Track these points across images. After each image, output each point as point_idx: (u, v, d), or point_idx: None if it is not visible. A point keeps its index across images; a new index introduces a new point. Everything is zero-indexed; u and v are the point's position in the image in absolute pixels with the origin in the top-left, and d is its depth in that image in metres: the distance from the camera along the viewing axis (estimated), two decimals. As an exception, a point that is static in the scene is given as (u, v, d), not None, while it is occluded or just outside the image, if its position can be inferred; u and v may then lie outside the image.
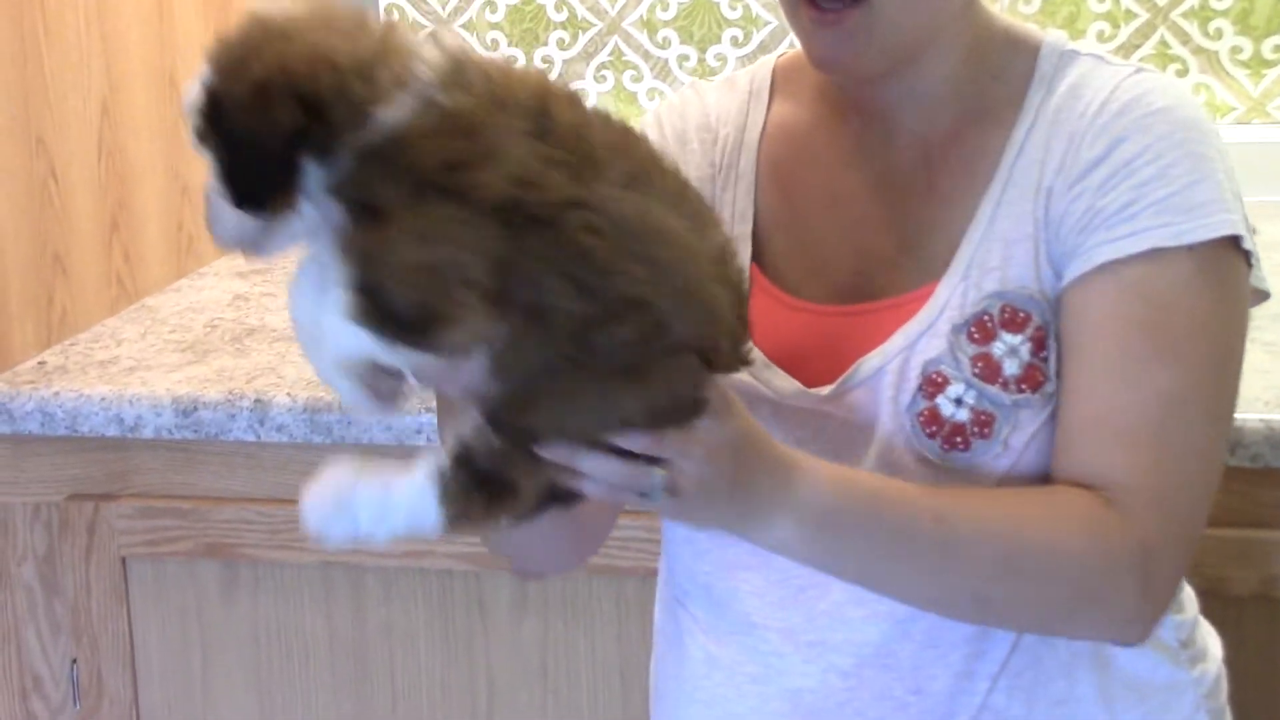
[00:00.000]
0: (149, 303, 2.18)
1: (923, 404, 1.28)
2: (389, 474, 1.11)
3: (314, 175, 1.04)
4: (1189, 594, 1.40)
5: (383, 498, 1.11)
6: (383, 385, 1.10)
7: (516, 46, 2.60)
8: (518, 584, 1.84)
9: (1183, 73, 2.40)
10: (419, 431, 1.78)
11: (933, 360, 1.28)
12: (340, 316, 1.04)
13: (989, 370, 1.27)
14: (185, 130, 1.10)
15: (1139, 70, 1.31)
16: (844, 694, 1.31)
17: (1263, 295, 1.31)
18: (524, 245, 1.03)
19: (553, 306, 1.04)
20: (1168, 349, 1.23)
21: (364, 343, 1.04)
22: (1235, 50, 2.40)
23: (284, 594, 1.90)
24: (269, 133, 1.03)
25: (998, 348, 1.27)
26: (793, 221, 1.38)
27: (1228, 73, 2.40)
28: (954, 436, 1.27)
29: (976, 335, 1.28)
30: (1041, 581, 1.23)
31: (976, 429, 1.27)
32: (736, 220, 1.39)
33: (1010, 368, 1.27)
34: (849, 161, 1.37)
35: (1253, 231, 1.31)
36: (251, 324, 2.07)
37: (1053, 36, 1.35)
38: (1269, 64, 2.39)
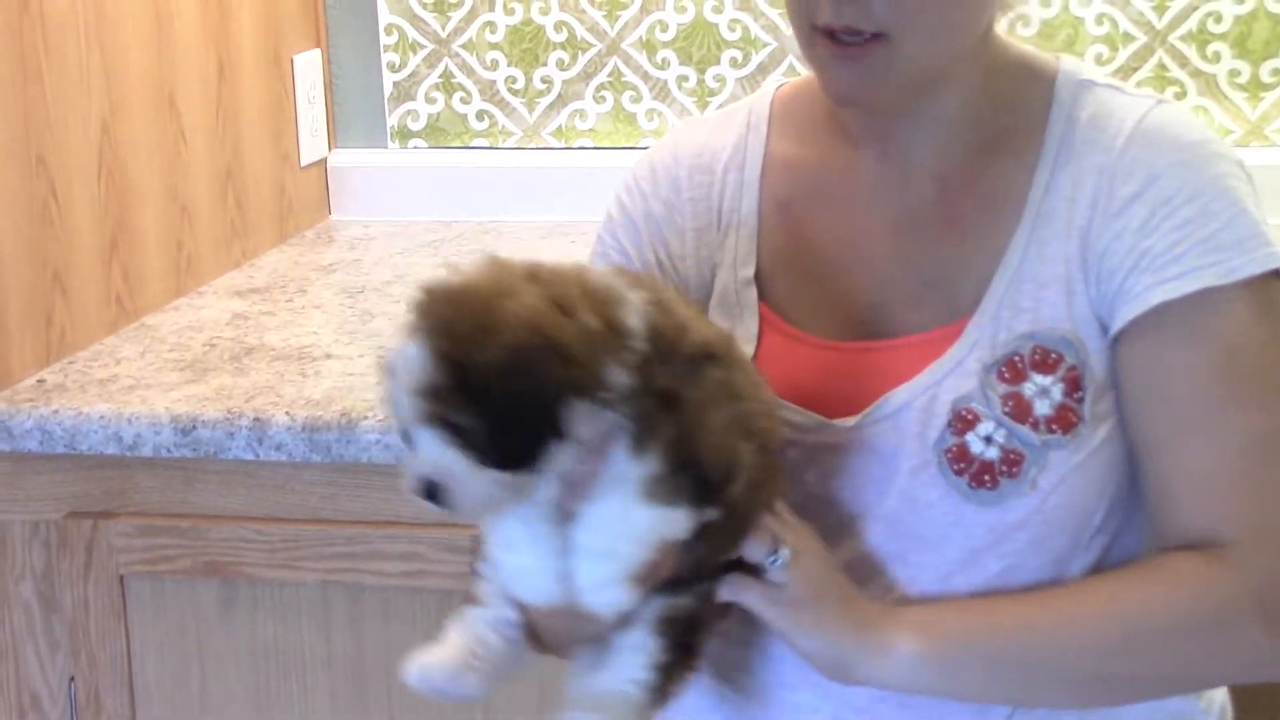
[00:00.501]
0: (148, 321, 2.18)
1: (951, 440, 1.28)
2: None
3: (578, 416, 1.11)
4: None
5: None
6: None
7: (516, 66, 2.60)
8: (516, 603, 1.84)
9: (1181, 95, 2.41)
10: (418, 451, 1.78)
11: (963, 397, 1.28)
12: (645, 507, 1.14)
13: (1020, 409, 1.27)
14: (379, 378, 1.14)
15: (1160, 102, 1.32)
16: None
17: None
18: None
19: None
20: (1245, 394, 1.25)
21: (668, 523, 1.15)
22: (1233, 74, 2.40)
23: (282, 613, 1.90)
24: (537, 390, 1.09)
25: (1028, 388, 1.27)
26: (802, 259, 1.37)
27: (1226, 96, 2.41)
28: (982, 474, 1.27)
29: (1007, 374, 1.28)
30: (1165, 651, 1.25)
31: (1005, 468, 1.27)
32: (739, 264, 1.38)
33: (1041, 408, 1.27)
34: (862, 195, 1.37)
35: None
36: (250, 343, 2.08)
37: (1067, 64, 1.35)
38: (1267, 87, 2.40)
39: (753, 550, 1.21)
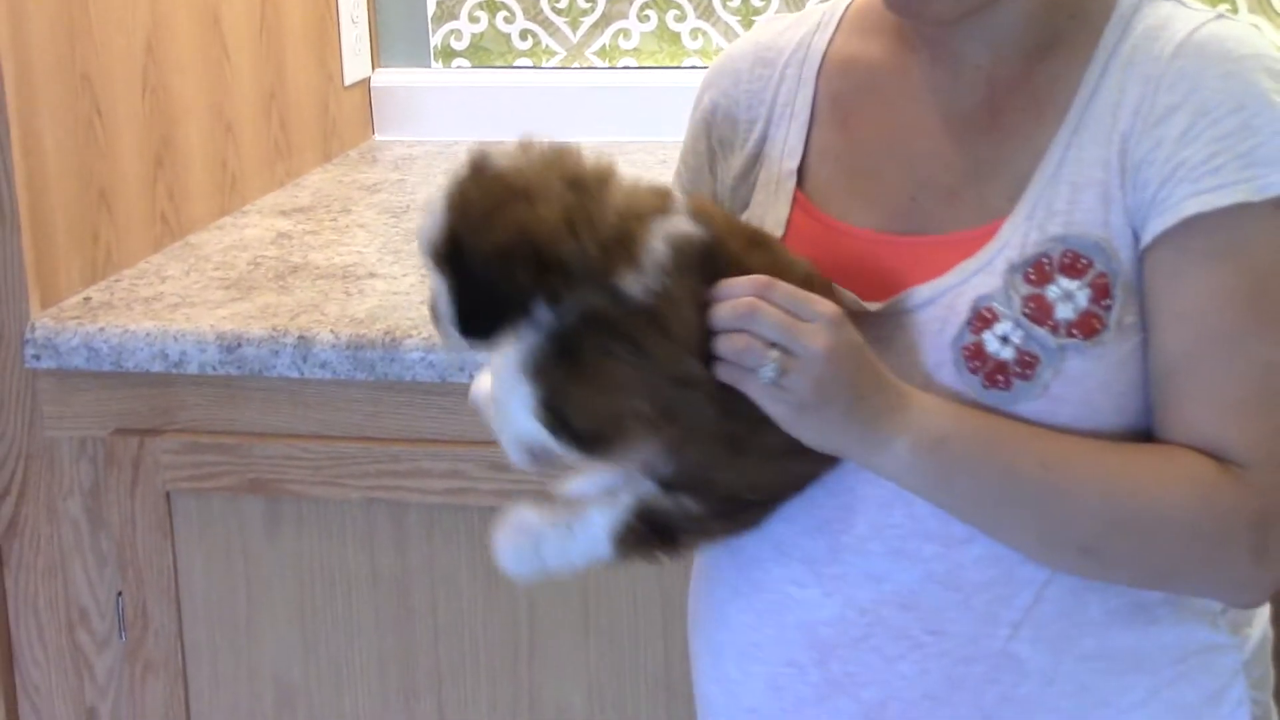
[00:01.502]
0: (193, 240, 2.19)
1: (969, 338, 1.27)
2: (568, 517, 1.29)
3: (540, 316, 1.19)
4: None
5: (565, 543, 1.29)
6: (548, 458, 1.27)
7: (560, -15, 2.59)
8: (559, 521, 1.85)
9: (1233, 10, 2.38)
10: (461, 369, 1.79)
11: (984, 296, 1.27)
12: (526, 411, 1.22)
13: (1040, 311, 1.26)
14: (422, 237, 1.21)
15: (1220, 16, 1.29)
16: (861, 629, 1.31)
17: None
18: (688, 396, 1.23)
19: (703, 428, 1.25)
20: (1268, 321, 1.24)
21: (541, 436, 1.23)
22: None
23: (327, 530, 1.91)
24: (508, 287, 1.17)
25: (1053, 291, 1.26)
26: (849, 152, 1.38)
27: (1275, 10, 2.38)
28: (995, 374, 1.26)
29: (1033, 276, 1.27)
30: (1150, 540, 1.24)
31: (1019, 369, 1.26)
32: (786, 155, 1.40)
33: (1064, 312, 1.26)
34: (912, 94, 1.37)
35: None
36: (295, 262, 2.08)
37: None
38: (1319, 4, 2.37)
39: (740, 358, 1.22)
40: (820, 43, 1.43)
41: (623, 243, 1.20)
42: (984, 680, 1.29)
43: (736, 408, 1.23)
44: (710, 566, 1.42)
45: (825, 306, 1.23)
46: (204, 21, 2.23)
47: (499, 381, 1.25)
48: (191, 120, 2.20)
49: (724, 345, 1.22)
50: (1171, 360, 1.25)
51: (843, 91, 1.41)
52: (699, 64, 2.57)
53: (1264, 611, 1.42)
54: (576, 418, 1.22)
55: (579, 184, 1.21)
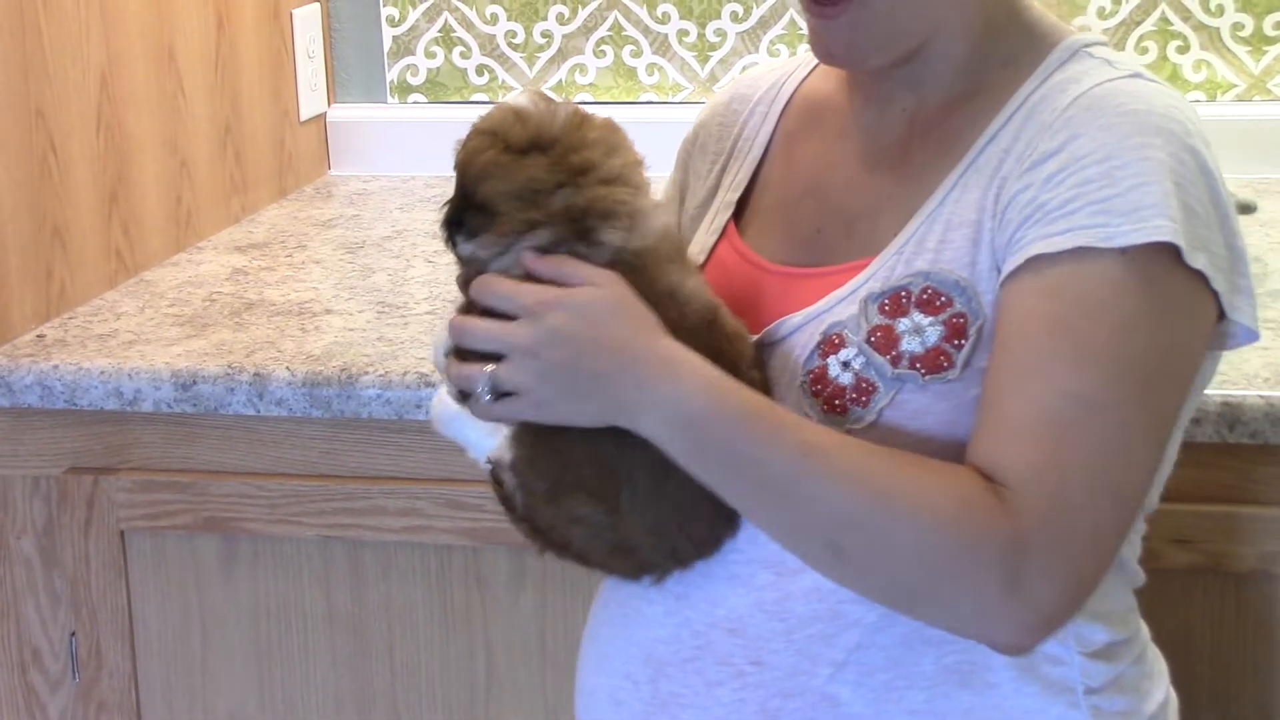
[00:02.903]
0: (148, 276, 2.18)
1: (815, 362, 1.28)
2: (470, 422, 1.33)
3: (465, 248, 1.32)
4: (1129, 640, 1.33)
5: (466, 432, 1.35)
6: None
7: (516, 21, 2.59)
8: (516, 558, 1.84)
9: (1184, 49, 2.40)
10: (418, 406, 1.78)
11: (838, 323, 1.28)
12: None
13: (885, 341, 1.26)
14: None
15: (1135, 75, 1.27)
16: (691, 651, 1.31)
17: (1250, 335, 1.27)
18: None
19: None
20: (1079, 349, 1.18)
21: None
22: (1237, 27, 2.39)
23: (283, 568, 1.90)
24: (454, 199, 1.32)
25: (903, 324, 1.26)
26: (781, 186, 1.42)
27: (1229, 49, 2.40)
28: (834, 399, 1.26)
29: (888, 307, 1.27)
30: (891, 543, 1.18)
31: (855, 395, 1.26)
32: (732, 188, 1.45)
33: (910, 344, 1.25)
34: (844, 132, 1.40)
35: (1250, 209, 1.29)
36: (250, 298, 2.07)
37: (1076, 35, 1.33)
38: (1270, 40, 2.39)
39: (464, 385, 1.28)
40: (792, 83, 1.48)
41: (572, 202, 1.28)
42: (800, 718, 1.28)
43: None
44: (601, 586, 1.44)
45: (534, 295, 1.25)
46: (159, 57, 2.22)
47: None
48: (146, 156, 2.20)
49: (450, 376, 1.29)
50: (984, 385, 1.22)
51: (795, 128, 1.45)
52: (655, 99, 2.58)
53: (1157, 706, 1.34)
54: None
55: (537, 141, 1.30)
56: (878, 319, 1.26)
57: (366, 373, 1.81)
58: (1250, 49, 2.39)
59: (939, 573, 1.18)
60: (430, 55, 2.64)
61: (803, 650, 1.28)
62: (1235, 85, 2.40)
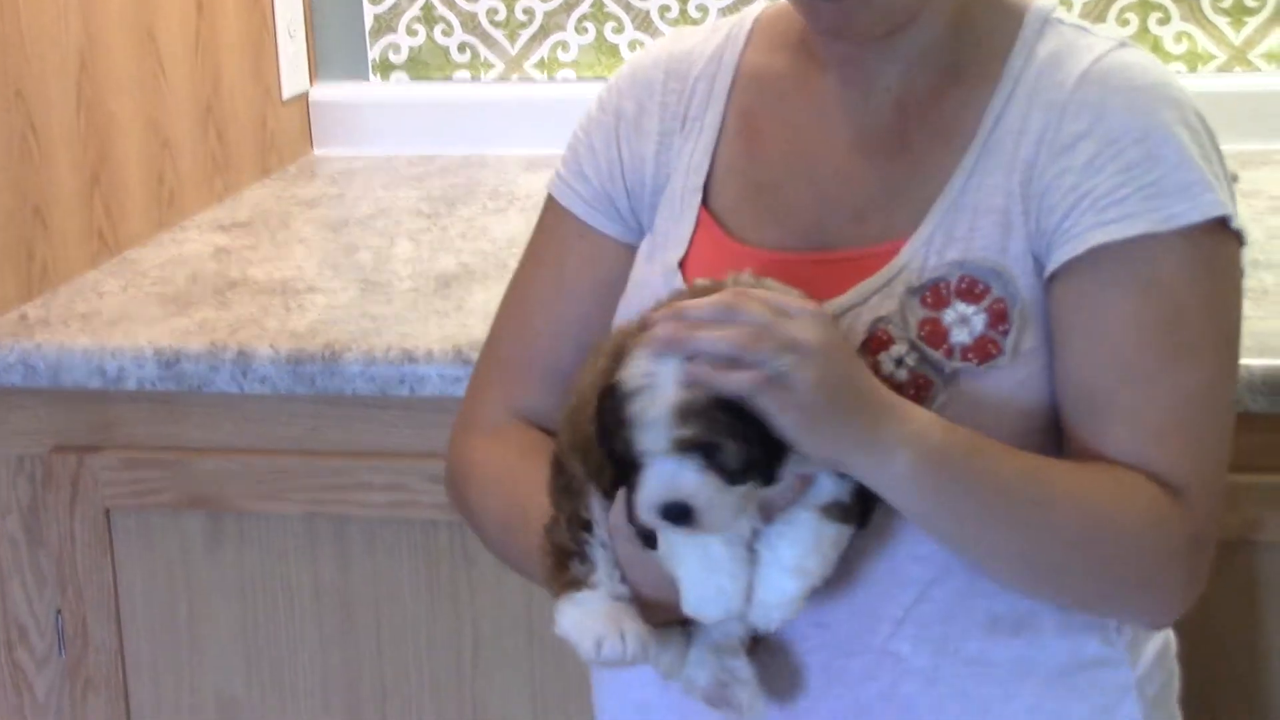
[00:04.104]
0: (130, 255, 2.18)
1: (864, 359, 1.26)
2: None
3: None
4: None
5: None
6: None
7: (497, -2, 2.59)
8: (502, 533, 1.84)
9: (1164, 20, 2.40)
10: (401, 382, 1.78)
11: (882, 318, 1.28)
12: (831, 525, 1.23)
13: (934, 335, 1.27)
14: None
15: (1122, 45, 1.31)
16: None
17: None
18: None
19: None
20: (1187, 346, 1.25)
21: (843, 538, 1.24)
22: (1217, -2, 2.40)
23: (268, 545, 1.90)
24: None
25: (949, 315, 1.27)
26: (754, 169, 1.38)
27: (1209, 20, 2.40)
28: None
29: (930, 300, 1.28)
30: (1115, 557, 1.24)
31: (912, 391, 1.26)
32: (691, 171, 1.40)
33: (959, 336, 1.27)
34: (821, 113, 1.37)
35: (1234, 179, 1.31)
36: (234, 276, 2.07)
37: (1040, 3, 1.35)
38: (1250, 11, 2.39)
39: (742, 355, 1.14)
40: (731, 56, 1.42)
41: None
42: (863, 676, 1.29)
43: None
44: None
45: (807, 301, 1.21)
46: (138, 36, 2.22)
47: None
48: (127, 136, 2.19)
49: (715, 344, 1.14)
50: (1091, 388, 1.26)
51: (751, 107, 1.40)
52: (637, 76, 2.58)
53: (1164, 631, 1.40)
54: None
55: None
56: (922, 313, 1.27)
57: (350, 349, 1.81)
58: (1231, 20, 2.40)
59: (1141, 581, 1.26)
60: (412, 33, 2.64)
61: (863, 610, 1.29)
62: (1216, 57, 2.41)
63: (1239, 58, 2.41)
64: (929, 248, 1.29)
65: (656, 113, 1.43)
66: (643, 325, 1.18)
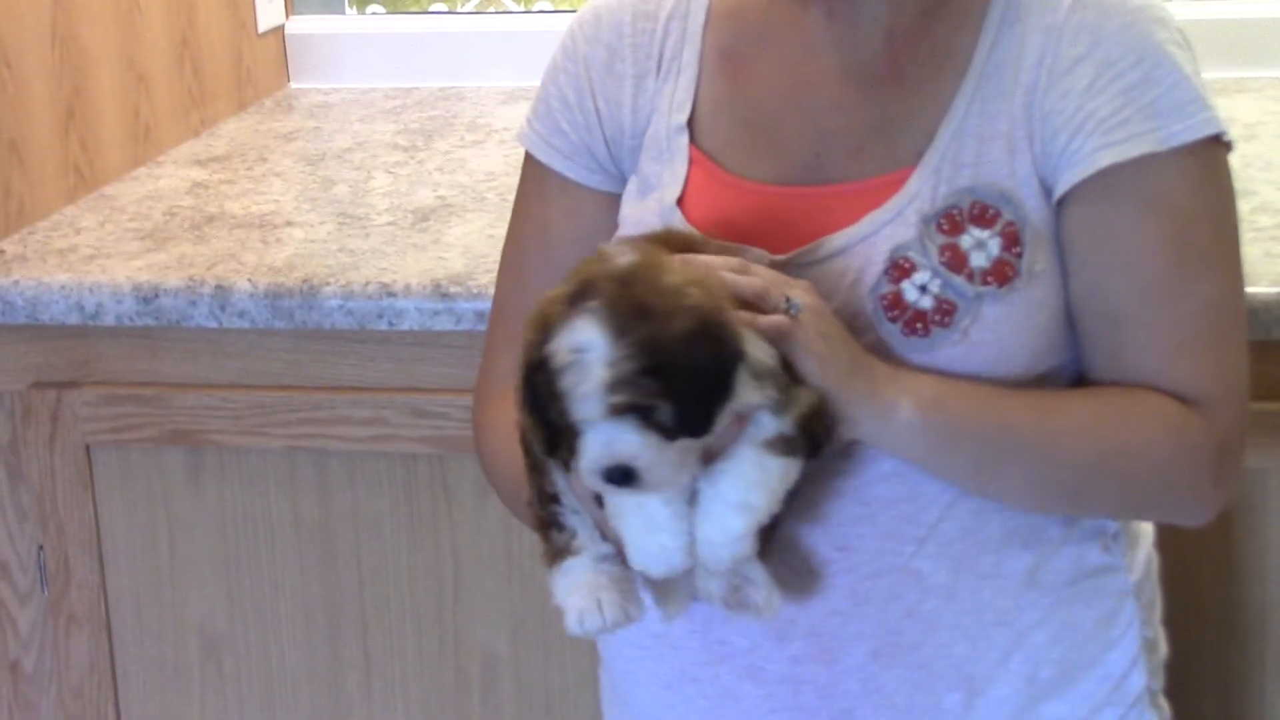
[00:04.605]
0: (107, 191, 2.17)
1: (887, 287, 1.29)
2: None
3: (742, 382, 1.17)
4: None
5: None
6: None
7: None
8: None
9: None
10: (380, 316, 1.79)
11: (901, 246, 1.29)
12: (775, 459, 1.22)
13: (956, 260, 1.29)
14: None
15: None
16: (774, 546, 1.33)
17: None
18: None
19: None
20: (1201, 259, 1.29)
21: (790, 471, 1.23)
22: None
23: (249, 479, 1.91)
24: (720, 359, 1.15)
25: (965, 240, 1.29)
26: (743, 105, 1.38)
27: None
28: (915, 322, 1.29)
29: (945, 226, 1.29)
30: (1131, 477, 1.30)
31: (938, 317, 1.28)
32: (674, 110, 1.39)
33: (977, 260, 1.29)
34: (809, 47, 1.37)
35: None
36: (211, 211, 2.07)
37: None
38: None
39: (762, 300, 1.21)
40: None
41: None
42: (889, 596, 1.32)
43: None
44: None
45: (798, 280, 1.25)
46: (113, -30, 2.20)
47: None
48: (103, 70, 2.19)
49: (751, 283, 1.21)
50: (1109, 309, 1.29)
51: (731, 44, 1.40)
52: (614, 7, 2.57)
53: (1148, 535, 1.45)
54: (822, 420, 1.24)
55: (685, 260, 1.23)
56: (940, 239, 1.29)
57: (329, 283, 1.81)
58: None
59: (1165, 493, 1.32)
60: (387, -35, 2.63)
61: (886, 531, 1.31)
62: (1193, -14, 2.41)
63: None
64: (938, 175, 1.30)
65: (629, 55, 1.41)
66: (567, 295, 1.17)
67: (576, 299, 1.15)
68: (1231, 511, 1.73)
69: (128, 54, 2.24)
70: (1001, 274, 1.29)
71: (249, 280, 1.83)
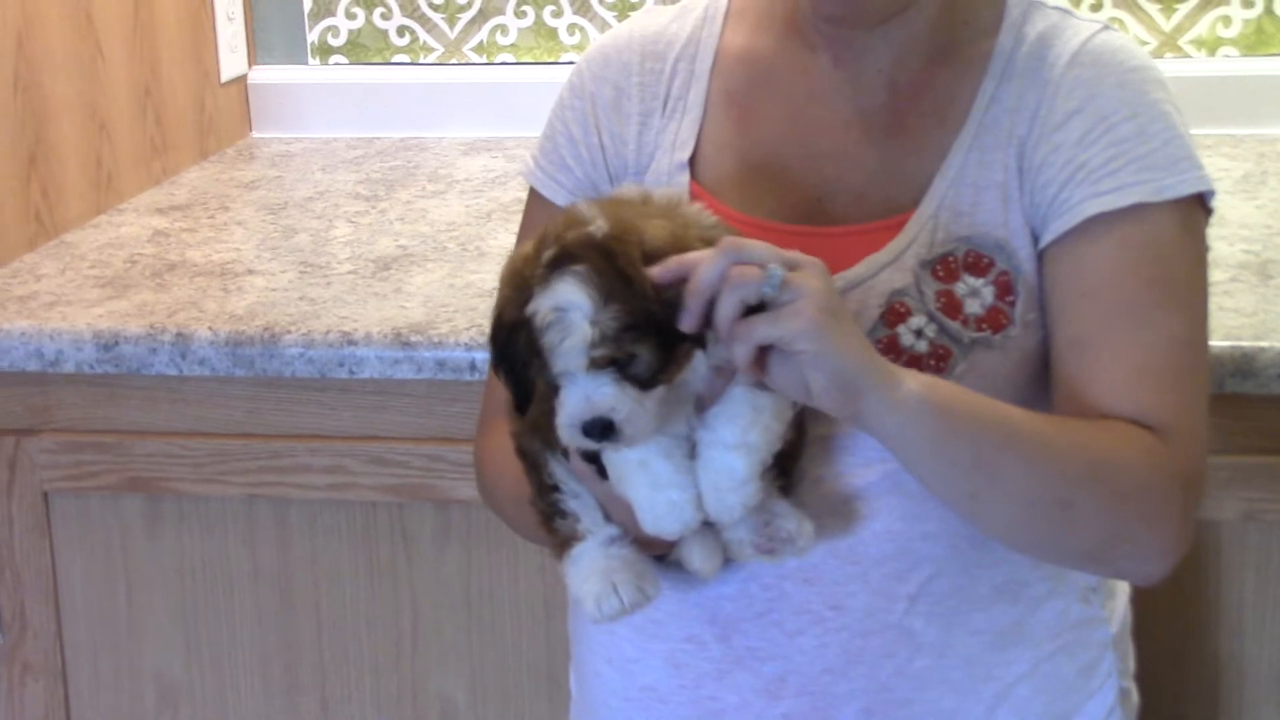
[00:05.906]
0: (68, 238, 2.17)
1: (882, 331, 1.31)
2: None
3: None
4: None
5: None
6: None
7: (436, -18, 2.59)
8: (441, 515, 1.86)
9: (1096, 6, 2.43)
10: (340, 365, 1.79)
11: (897, 291, 1.31)
12: (765, 394, 1.21)
13: (951, 306, 1.31)
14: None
15: (1106, 28, 1.36)
16: (764, 604, 1.34)
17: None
18: None
19: None
20: (1173, 298, 1.30)
21: (784, 406, 1.22)
22: (1148, -15, 2.42)
23: (208, 527, 1.90)
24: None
25: (960, 287, 1.31)
26: (746, 147, 1.40)
27: (1140, 7, 2.43)
28: (909, 367, 1.28)
29: (941, 273, 1.32)
30: (1117, 491, 1.26)
31: (932, 362, 1.30)
32: (676, 148, 1.41)
33: (972, 307, 1.31)
34: (814, 93, 1.40)
35: None
36: (172, 259, 2.07)
37: None
38: (1181, -2, 2.42)
39: (745, 290, 1.16)
40: (710, 37, 1.44)
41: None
42: (881, 654, 1.33)
43: None
44: None
45: (807, 257, 1.21)
46: (76, 18, 2.21)
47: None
48: (65, 118, 2.19)
49: (761, 250, 1.18)
50: (1079, 336, 1.29)
51: (737, 86, 1.42)
52: (576, 59, 2.58)
53: (1125, 587, 1.47)
54: None
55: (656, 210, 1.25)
56: (936, 285, 1.31)
57: (289, 332, 1.81)
58: (1162, 6, 2.43)
59: (1143, 519, 1.27)
60: (351, 16, 2.64)
61: (878, 589, 1.32)
62: (1148, 43, 2.43)
63: (1169, 44, 2.43)
64: (935, 222, 1.33)
65: (636, 94, 1.44)
66: (538, 253, 1.17)
67: (557, 262, 1.16)
68: (1186, 562, 1.75)
69: (90, 102, 2.24)
70: (996, 321, 1.31)
71: (209, 328, 1.83)
